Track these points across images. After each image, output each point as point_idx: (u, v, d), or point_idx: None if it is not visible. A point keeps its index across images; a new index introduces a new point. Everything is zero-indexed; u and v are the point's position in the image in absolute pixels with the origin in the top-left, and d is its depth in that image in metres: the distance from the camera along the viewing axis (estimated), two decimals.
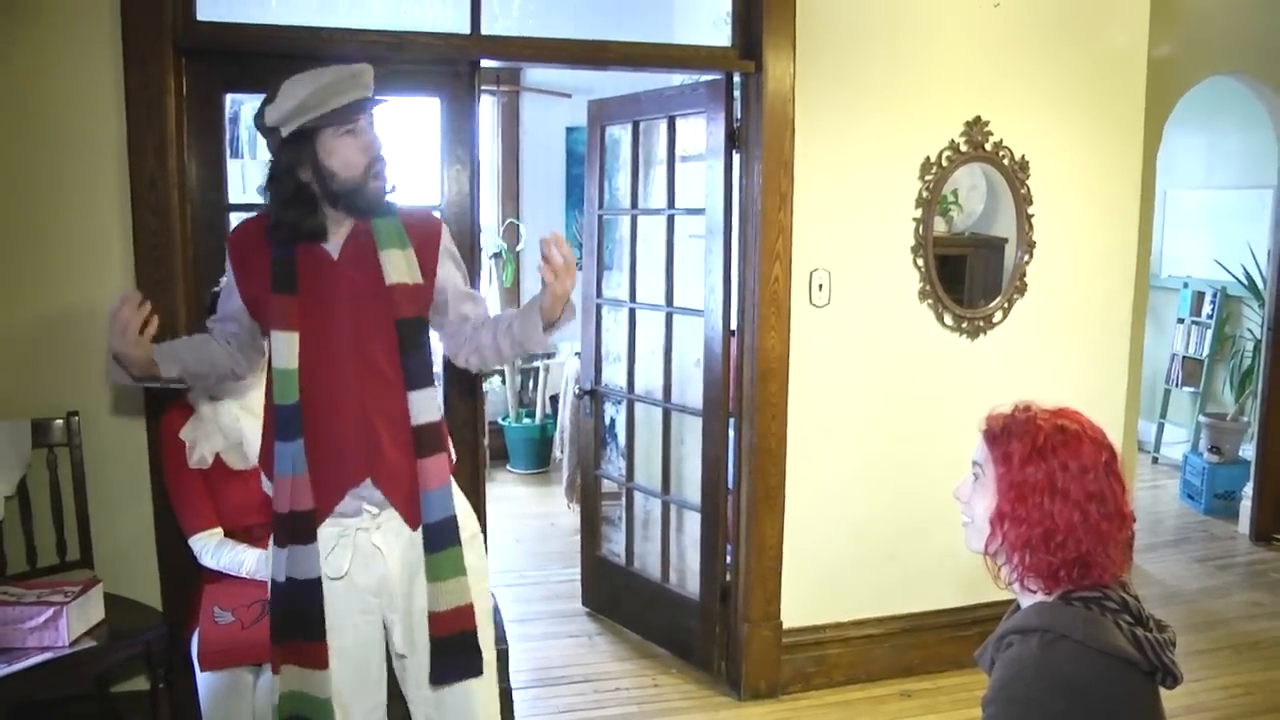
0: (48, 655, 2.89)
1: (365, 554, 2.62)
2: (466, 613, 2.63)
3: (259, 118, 2.50)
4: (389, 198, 2.58)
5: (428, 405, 2.61)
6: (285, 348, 2.50)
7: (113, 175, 3.45)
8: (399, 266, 2.57)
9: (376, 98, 2.55)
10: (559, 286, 2.50)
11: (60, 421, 3.46)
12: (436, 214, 3.71)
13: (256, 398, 3.22)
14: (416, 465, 2.59)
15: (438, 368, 3.34)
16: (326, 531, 2.58)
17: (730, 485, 4.30)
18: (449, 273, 2.71)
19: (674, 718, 4.10)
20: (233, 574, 3.09)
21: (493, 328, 2.69)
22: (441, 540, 2.61)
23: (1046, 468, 1.75)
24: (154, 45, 3.40)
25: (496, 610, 3.75)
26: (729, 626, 4.31)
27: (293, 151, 2.48)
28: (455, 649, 2.63)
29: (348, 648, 2.63)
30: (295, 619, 2.54)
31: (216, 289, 3.27)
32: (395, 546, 2.64)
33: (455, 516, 2.64)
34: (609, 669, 4.49)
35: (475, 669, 2.68)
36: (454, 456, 2.75)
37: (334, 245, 2.57)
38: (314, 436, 2.53)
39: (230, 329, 2.69)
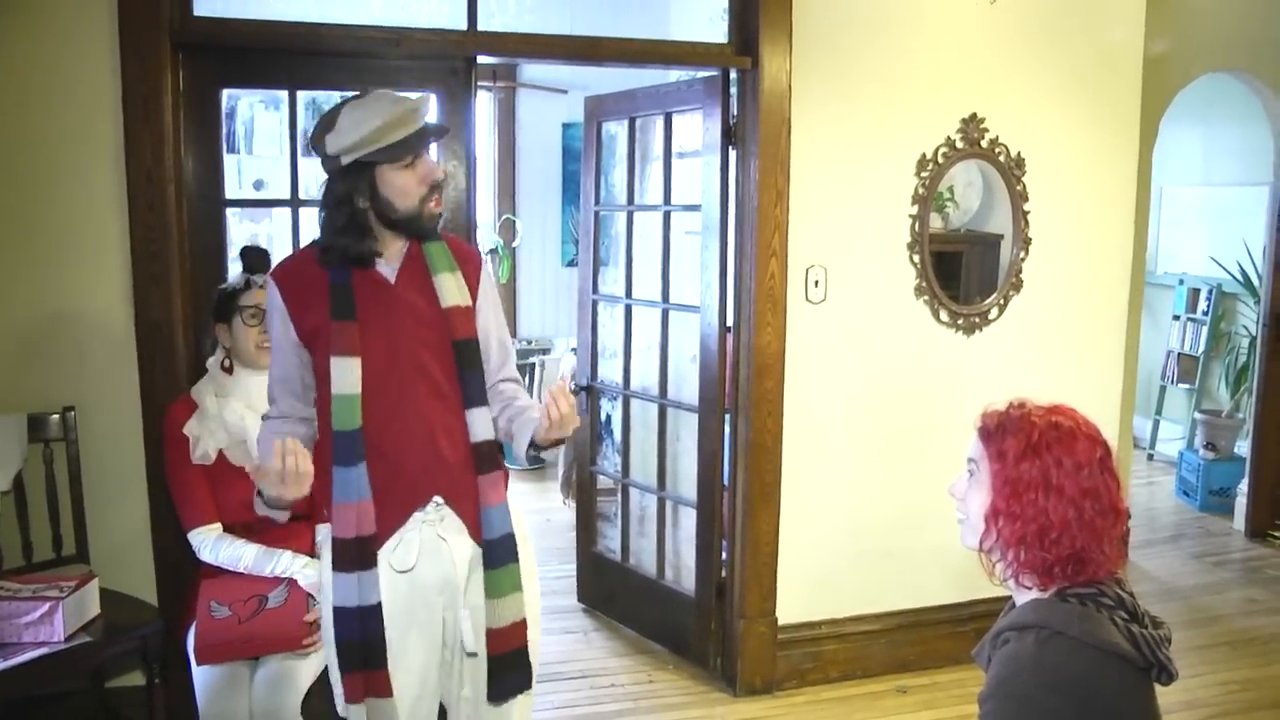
0: (43, 650, 2.89)
1: (431, 547, 2.61)
2: (522, 628, 2.67)
3: (318, 143, 2.50)
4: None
5: (485, 423, 2.63)
6: (347, 373, 2.49)
7: (109, 170, 3.45)
8: (451, 289, 2.61)
9: (436, 125, 2.56)
10: (551, 435, 2.55)
11: (56, 416, 3.46)
12: None
13: (261, 396, 3.21)
14: (477, 482, 2.60)
15: None
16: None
17: (726, 481, 4.30)
18: (488, 317, 2.74)
19: (669, 714, 4.10)
20: (231, 569, 3.09)
21: (499, 405, 2.75)
22: (501, 556, 2.63)
23: (1041, 464, 1.76)
24: (151, 40, 3.40)
25: None
26: (724, 622, 4.32)
27: (351, 181, 2.49)
28: (511, 665, 2.66)
29: (410, 649, 2.61)
30: (362, 647, 2.52)
31: (224, 286, 3.29)
32: (458, 544, 2.63)
33: (514, 533, 2.67)
34: (605, 665, 4.50)
35: (527, 683, 2.72)
36: (509, 473, 2.78)
37: (390, 270, 2.59)
38: (377, 460, 2.52)
39: (292, 403, 2.65)
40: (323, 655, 3.03)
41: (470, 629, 2.64)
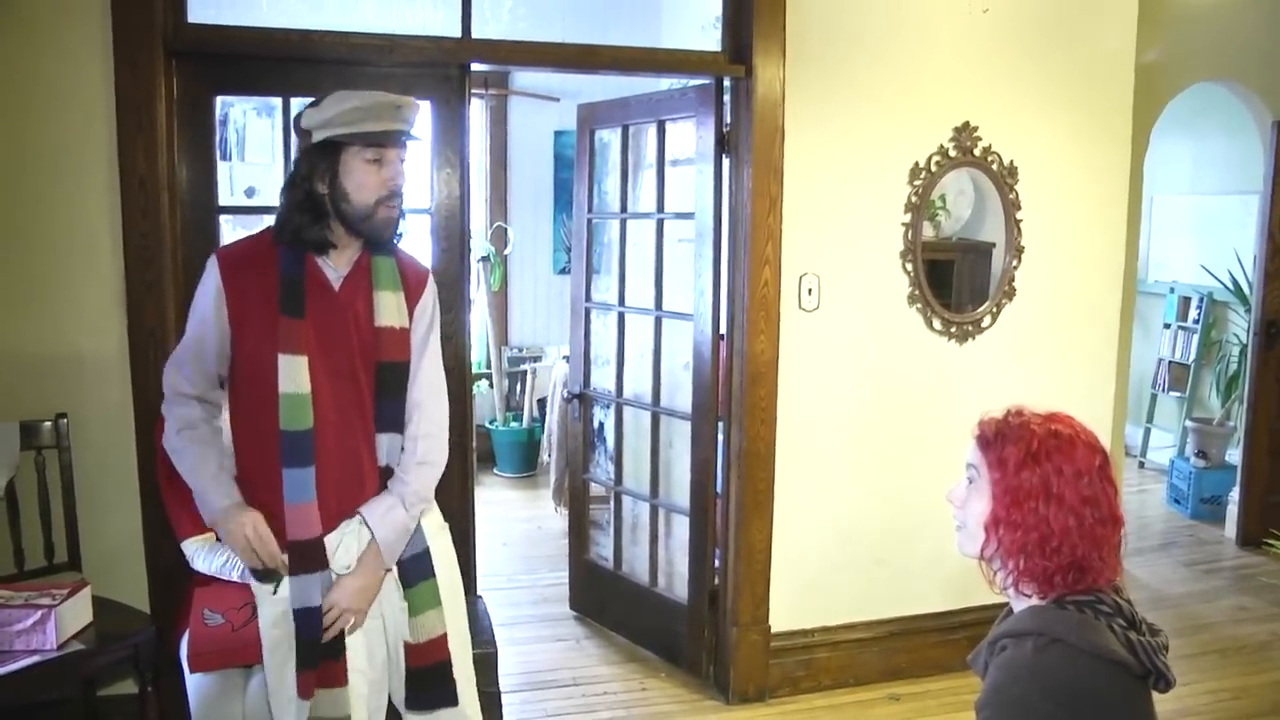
0: (35, 658, 2.87)
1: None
2: (441, 643, 2.68)
3: (298, 118, 2.52)
4: (394, 237, 2.61)
5: (392, 451, 2.62)
6: (295, 372, 2.46)
7: (102, 176, 3.44)
8: (390, 309, 2.59)
9: (409, 133, 2.54)
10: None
11: (49, 423, 3.45)
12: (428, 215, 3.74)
13: None
14: None
15: None
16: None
17: (719, 489, 4.30)
18: (422, 344, 2.67)
19: None
20: (224, 578, 3.08)
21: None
22: (415, 575, 2.66)
23: (1041, 472, 1.75)
24: (144, 47, 3.40)
25: (485, 614, 3.76)
26: (717, 630, 4.31)
27: (316, 159, 2.49)
28: (433, 681, 2.68)
29: (355, 646, 2.61)
30: (319, 645, 2.53)
31: None
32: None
33: (428, 550, 2.68)
34: (597, 672, 4.49)
35: (451, 699, 2.71)
36: None
37: (336, 275, 2.56)
38: (320, 463, 2.51)
39: (204, 385, 2.59)
40: None
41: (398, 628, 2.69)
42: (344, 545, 2.58)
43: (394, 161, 2.51)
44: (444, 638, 2.68)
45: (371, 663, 2.66)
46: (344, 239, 2.55)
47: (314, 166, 2.49)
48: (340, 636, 2.55)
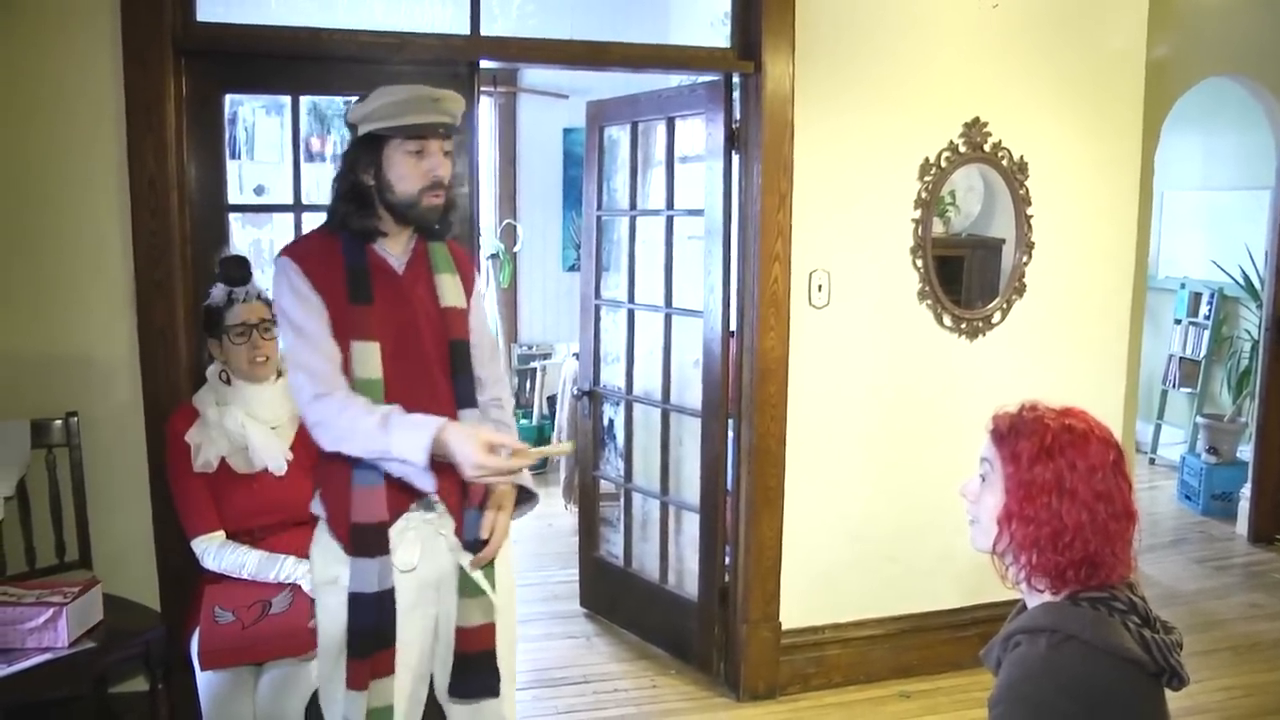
0: (47, 656, 2.88)
1: (431, 546, 2.63)
2: (490, 631, 2.69)
3: (348, 111, 2.58)
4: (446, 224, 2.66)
5: (476, 424, 2.63)
6: (368, 358, 2.50)
7: (112, 175, 3.45)
8: (451, 290, 2.67)
9: (451, 126, 2.57)
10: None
11: (59, 422, 3.46)
12: None
13: (261, 404, 3.21)
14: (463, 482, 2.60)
15: None
16: (394, 525, 2.58)
17: (729, 486, 4.30)
18: (482, 321, 2.81)
19: (673, 718, 4.10)
20: (235, 576, 3.09)
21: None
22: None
23: (1055, 467, 1.75)
24: (154, 46, 3.40)
25: None
26: (728, 627, 4.31)
27: (361, 152, 2.55)
28: (479, 667, 2.68)
29: (409, 643, 2.62)
30: (379, 631, 2.54)
31: (207, 302, 3.26)
32: (450, 540, 2.66)
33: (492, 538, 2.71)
34: (608, 670, 4.49)
35: (494, 688, 2.72)
36: None
37: (398, 261, 2.62)
38: None
39: (334, 379, 2.51)
40: None
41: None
42: (406, 540, 2.59)
43: (436, 153, 2.54)
44: (492, 626, 2.69)
45: (421, 657, 2.68)
46: (394, 227, 2.60)
47: (359, 159, 2.55)
48: (392, 625, 2.55)
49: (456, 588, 2.66)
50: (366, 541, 2.51)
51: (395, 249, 2.62)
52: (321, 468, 2.63)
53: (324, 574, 2.61)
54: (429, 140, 2.53)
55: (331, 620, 2.59)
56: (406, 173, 2.52)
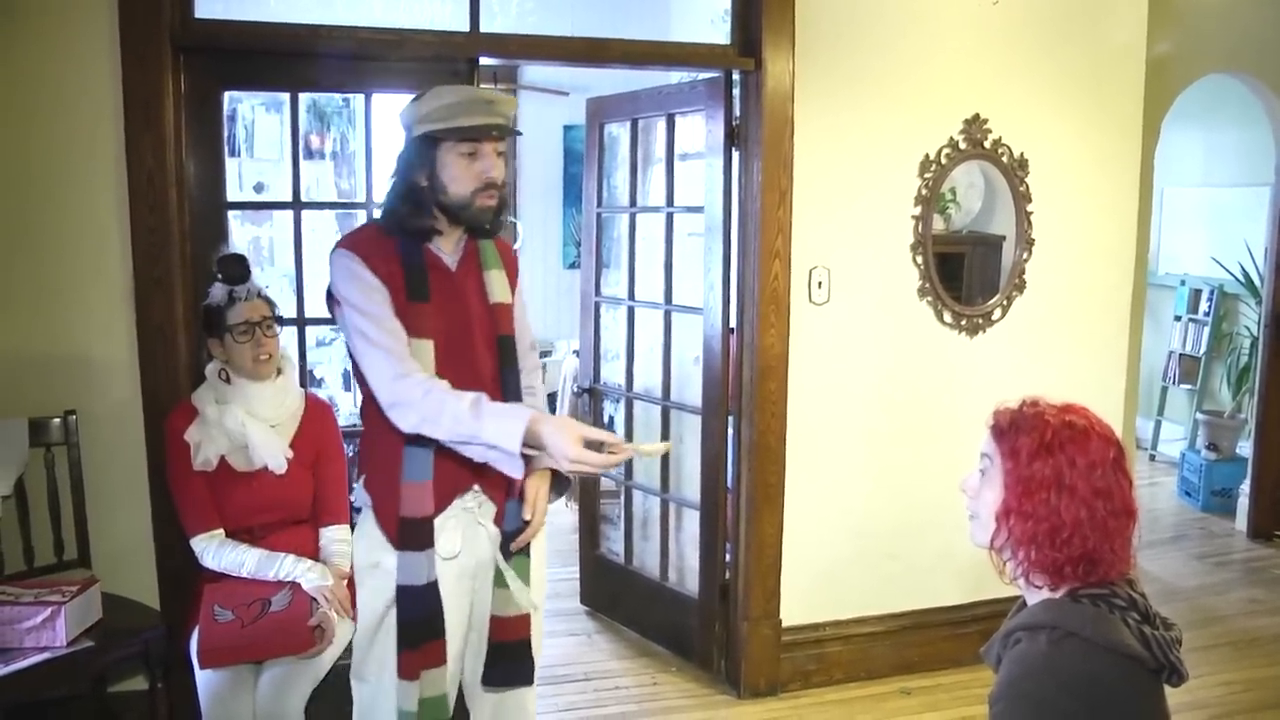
0: (45, 655, 2.87)
1: (472, 535, 2.67)
2: (526, 621, 2.75)
3: (403, 111, 2.59)
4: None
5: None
6: (423, 355, 2.52)
7: (110, 172, 3.44)
8: (499, 286, 2.71)
9: (504, 128, 2.56)
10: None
11: (58, 420, 3.44)
12: None
13: (262, 402, 3.20)
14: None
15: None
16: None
17: (729, 483, 4.29)
18: (523, 317, 2.86)
19: (673, 716, 4.10)
20: (234, 574, 3.08)
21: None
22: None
23: (1054, 463, 1.75)
24: (152, 42, 3.39)
25: None
26: (728, 625, 4.31)
27: (416, 153, 2.55)
28: (515, 655, 2.74)
29: (450, 631, 2.66)
30: (429, 621, 2.58)
31: (207, 301, 3.25)
32: (490, 530, 2.71)
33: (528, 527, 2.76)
34: (608, 667, 4.49)
35: (528, 677, 2.79)
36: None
37: (451, 258, 2.65)
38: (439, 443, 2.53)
39: (410, 362, 2.54)
40: (327, 657, 3.04)
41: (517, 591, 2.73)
42: (448, 529, 2.63)
43: (489, 154, 2.55)
44: (528, 617, 2.76)
45: (460, 643, 2.73)
46: (447, 227, 2.62)
47: (412, 161, 2.56)
48: (441, 616, 2.59)
49: (494, 578, 2.71)
50: (414, 535, 2.56)
51: (448, 247, 2.65)
52: (366, 459, 2.71)
53: (366, 559, 2.67)
54: (482, 142, 2.53)
55: (370, 600, 2.65)
56: (460, 174, 2.53)
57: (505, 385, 2.68)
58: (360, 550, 2.70)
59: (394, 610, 2.59)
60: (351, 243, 2.58)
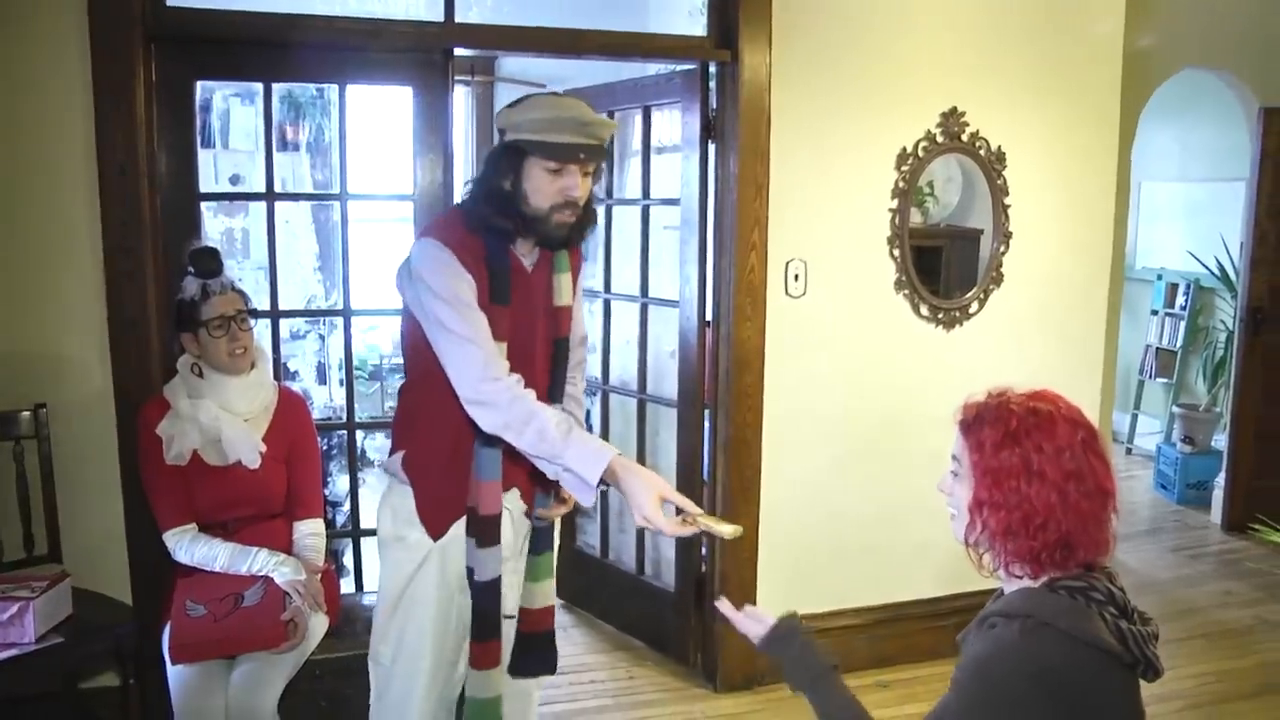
0: (13, 652, 2.84)
1: (512, 531, 2.78)
2: (550, 613, 2.87)
3: (498, 115, 2.60)
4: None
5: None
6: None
7: (81, 163, 3.40)
8: (566, 290, 2.76)
9: (594, 150, 2.55)
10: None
11: (27, 413, 3.41)
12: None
13: (236, 396, 3.18)
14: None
15: None
16: None
17: (705, 476, 4.29)
18: (580, 317, 2.96)
19: (650, 709, 4.09)
20: (207, 569, 3.06)
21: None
22: (543, 544, 2.85)
23: (1021, 451, 1.75)
24: (123, 32, 3.35)
25: None
26: (704, 618, 4.30)
27: (505, 159, 2.55)
28: (541, 645, 2.86)
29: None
30: (495, 616, 2.68)
31: (180, 296, 3.21)
32: (521, 523, 2.83)
33: (553, 524, 2.89)
34: (584, 661, 4.48)
35: (552, 666, 2.90)
36: None
37: (529, 261, 2.68)
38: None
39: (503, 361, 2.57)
40: (300, 653, 3.02)
41: (516, 596, 2.84)
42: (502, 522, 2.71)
43: (574, 174, 2.54)
44: (553, 609, 2.88)
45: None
46: (522, 232, 2.63)
47: (500, 164, 2.56)
48: (499, 613, 2.68)
49: (523, 571, 2.83)
50: (488, 531, 2.64)
51: (525, 248, 2.67)
52: (407, 438, 2.73)
53: (391, 532, 2.72)
54: (569, 163, 2.52)
55: (392, 574, 2.72)
56: (542, 188, 2.53)
57: (552, 384, 2.77)
58: (385, 521, 2.73)
59: (412, 585, 2.68)
60: (444, 236, 2.56)
